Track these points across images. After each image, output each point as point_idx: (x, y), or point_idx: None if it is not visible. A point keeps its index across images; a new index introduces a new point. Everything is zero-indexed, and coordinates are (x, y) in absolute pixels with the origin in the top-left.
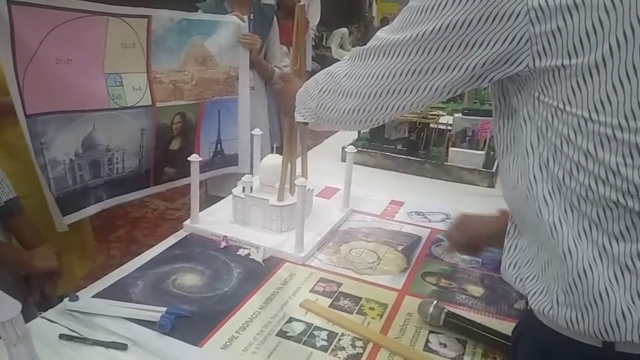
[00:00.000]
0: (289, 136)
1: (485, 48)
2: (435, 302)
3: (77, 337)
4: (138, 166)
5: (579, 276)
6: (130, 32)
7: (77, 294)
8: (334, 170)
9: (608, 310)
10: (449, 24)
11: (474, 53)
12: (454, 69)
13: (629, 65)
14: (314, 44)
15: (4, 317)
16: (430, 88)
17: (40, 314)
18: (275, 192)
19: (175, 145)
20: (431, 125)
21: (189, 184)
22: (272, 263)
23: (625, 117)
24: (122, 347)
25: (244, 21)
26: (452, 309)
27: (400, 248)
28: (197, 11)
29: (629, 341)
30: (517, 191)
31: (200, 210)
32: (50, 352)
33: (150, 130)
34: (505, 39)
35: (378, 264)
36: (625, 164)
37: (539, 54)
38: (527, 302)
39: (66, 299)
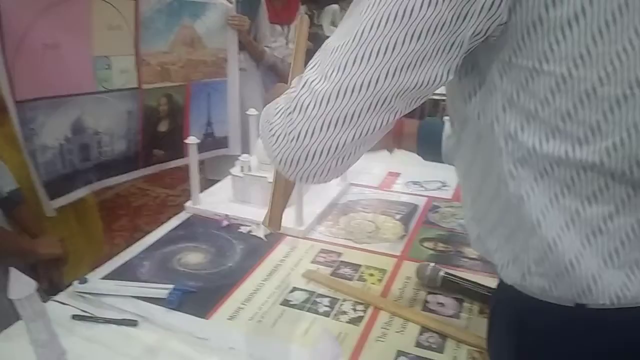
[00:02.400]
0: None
1: (471, 19)
2: (432, 264)
3: (89, 317)
4: (127, 149)
5: (549, 246)
6: (116, 13)
7: (86, 276)
8: None
9: (580, 276)
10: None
11: (465, 26)
12: (449, 49)
13: (608, 13)
14: None
15: (22, 295)
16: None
17: (50, 298)
18: (271, 169)
19: (163, 127)
20: None
21: (187, 168)
22: (273, 238)
23: (605, 70)
24: (133, 323)
25: (231, 2)
26: (449, 271)
27: (398, 217)
28: None
29: (601, 304)
30: (475, 166)
31: (200, 193)
32: (64, 331)
33: (136, 113)
34: (490, 6)
35: (376, 233)
36: (606, 120)
37: (514, 7)
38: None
39: (75, 282)
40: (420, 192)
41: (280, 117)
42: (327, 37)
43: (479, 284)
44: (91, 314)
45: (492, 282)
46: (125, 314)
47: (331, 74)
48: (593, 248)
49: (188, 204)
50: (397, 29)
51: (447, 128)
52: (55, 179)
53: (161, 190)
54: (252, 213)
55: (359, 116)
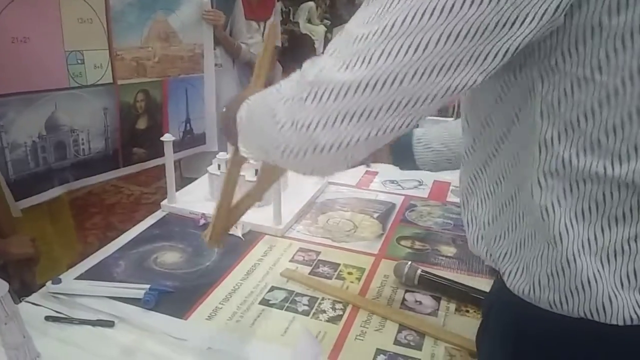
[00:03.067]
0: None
1: (530, 23)
2: (409, 263)
3: (63, 318)
4: (105, 147)
5: (568, 261)
6: (86, 6)
7: (60, 276)
8: None
9: (595, 295)
10: None
11: (516, 32)
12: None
13: None
14: (281, 18)
15: None
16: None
17: (22, 299)
18: (250, 167)
19: (141, 124)
20: None
21: (162, 166)
22: (251, 237)
23: None
24: (110, 324)
25: None
26: (426, 269)
27: (375, 215)
28: None
29: (613, 324)
30: (490, 167)
31: (176, 191)
32: (37, 333)
33: (113, 109)
34: None
35: (355, 232)
36: None
37: (572, 10)
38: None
39: (49, 282)
40: (397, 191)
41: (288, 103)
42: (303, 34)
43: (456, 282)
44: (65, 315)
45: (467, 280)
46: (100, 314)
47: (354, 64)
48: (612, 268)
49: (164, 202)
50: (432, 25)
51: (418, 134)
52: (26, 178)
53: (135, 187)
54: None
55: (377, 113)
